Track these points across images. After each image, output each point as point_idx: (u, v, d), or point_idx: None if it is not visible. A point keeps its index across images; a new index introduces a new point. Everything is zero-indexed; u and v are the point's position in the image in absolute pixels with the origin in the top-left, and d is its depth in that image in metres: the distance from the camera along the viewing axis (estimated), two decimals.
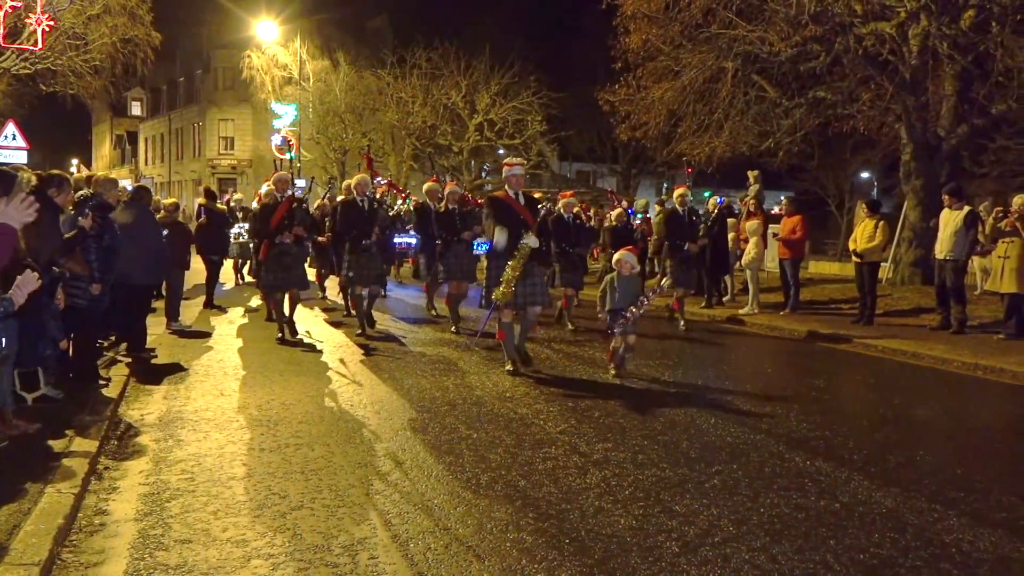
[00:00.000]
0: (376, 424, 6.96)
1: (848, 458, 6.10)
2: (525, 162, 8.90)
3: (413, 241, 17.57)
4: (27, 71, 22.04)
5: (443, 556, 4.28)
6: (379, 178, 19.67)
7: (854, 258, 13.74)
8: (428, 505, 5.02)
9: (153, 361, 9.76)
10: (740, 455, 6.13)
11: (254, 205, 17.19)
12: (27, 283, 4.95)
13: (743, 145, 20.04)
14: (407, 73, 35.81)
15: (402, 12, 45.99)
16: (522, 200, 9.04)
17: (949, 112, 17.45)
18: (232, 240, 18.21)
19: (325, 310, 14.64)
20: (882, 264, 17.46)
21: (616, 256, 9.06)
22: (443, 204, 12.67)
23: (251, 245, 17.19)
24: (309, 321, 13.01)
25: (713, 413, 7.43)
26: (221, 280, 18.85)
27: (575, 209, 12.96)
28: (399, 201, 19.34)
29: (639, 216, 18.77)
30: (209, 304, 14.77)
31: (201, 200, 15.77)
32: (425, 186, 13.98)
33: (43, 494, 4.93)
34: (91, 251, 7.96)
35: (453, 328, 12.10)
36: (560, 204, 12.47)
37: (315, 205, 16.33)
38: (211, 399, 7.87)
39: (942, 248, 12.50)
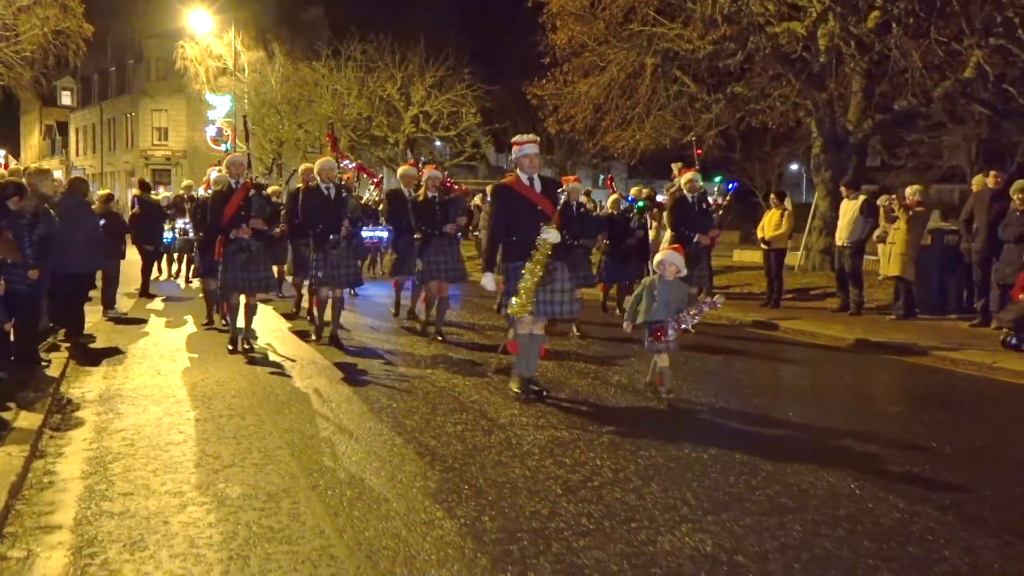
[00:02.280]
0: (304, 397, 7.55)
1: (725, 418, 6.88)
2: (538, 138, 7.65)
3: (384, 235, 15.92)
4: None
5: (355, 501, 4.92)
6: (346, 161, 17.53)
7: (762, 245, 14.65)
8: (347, 463, 5.64)
9: (91, 345, 10.20)
10: (631, 418, 6.87)
11: (200, 192, 16.65)
12: None
13: (665, 138, 20.94)
14: (342, 65, 36.13)
15: (337, 4, 46.14)
16: (539, 186, 7.47)
17: (856, 108, 18.49)
18: (179, 235, 17.37)
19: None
20: (794, 252, 18.53)
21: (658, 256, 7.54)
22: (421, 191, 10.93)
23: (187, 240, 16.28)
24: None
25: (615, 385, 8.16)
26: (178, 282, 18.46)
27: (580, 196, 11.52)
28: (371, 188, 18.17)
29: (640, 204, 17.71)
30: (144, 292, 15.13)
31: (135, 191, 16.06)
32: (400, 170, 12.36)
33: None
34: (26, 239, 8.36)
35: (439, 337, 10.66)
36: (564, 189, 10.23)
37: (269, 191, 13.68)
38: (148, 378, 8.39)
39: (840, 235, 13.46)
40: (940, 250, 13.20)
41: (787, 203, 14.74)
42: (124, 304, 13.69)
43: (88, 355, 9.56)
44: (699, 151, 13.23)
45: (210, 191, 12.97)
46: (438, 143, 41.70)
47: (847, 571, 4.03)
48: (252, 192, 9.71)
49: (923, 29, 15.35)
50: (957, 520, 4.69)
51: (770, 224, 14.28)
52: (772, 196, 15.63)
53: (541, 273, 7.17)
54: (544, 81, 21.15)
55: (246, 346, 9.82)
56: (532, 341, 7.51)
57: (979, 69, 15.89)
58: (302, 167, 12.31)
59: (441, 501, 4.90)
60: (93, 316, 11.87)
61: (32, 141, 67.13)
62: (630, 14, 19.05)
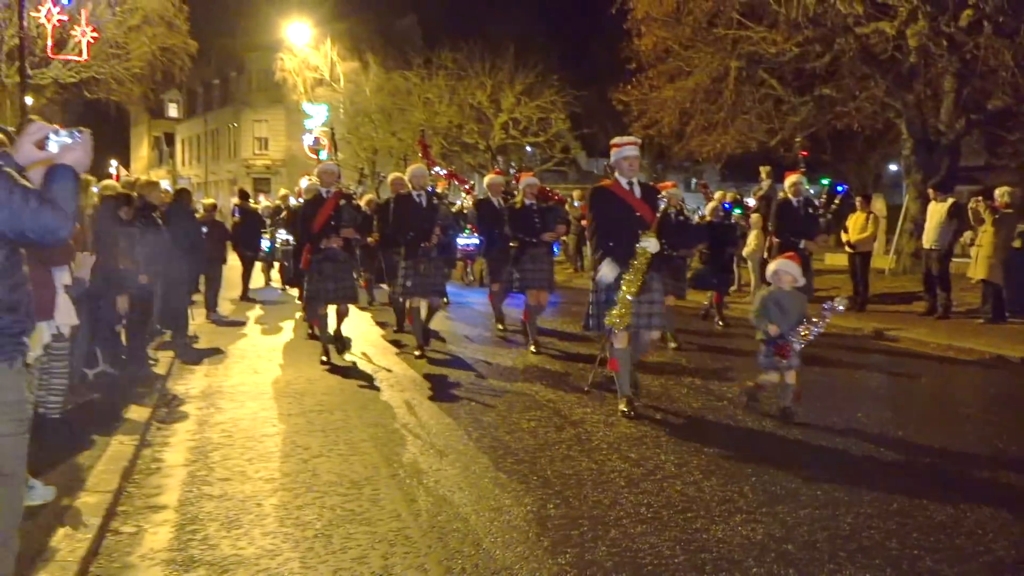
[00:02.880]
0: (389, 395, 7.99)
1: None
2: (639, 141, 7.45)
3: (476, 242, 15.31)
4: (72, 79, 23.31)
5: (431, 489, 5.30)
6: (437, 168, 16.92)
7: (847, 248, 14.60)
8: (425, 454, 6.03)
9: (195, 346, 10.86)
10: (698, 418, 7.10)
11: (292, 202, 17.16)
12: (85, 263, 6.04)
13: (752, 141, 20.94)
14: (433, 74, 36.87)
15: (429, 12, 46.98)
16: (638, 191, 7.14)
17: (948, 108, 18.18)
18: (279, 244, 17.13)
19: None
20: (885, 255, 18.36)
21: (772, 267, 7.19)
22: (519, 199, 10.62)
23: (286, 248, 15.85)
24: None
25: (688, 386, 8.37)
26: (274, 286, 18.72)
27: (678, 204, 10.77)
28: (463, 196, 17.68)
29: (738, 210, 16.56)
30: (244, 296, 15.91)
31: (236, 200, 16.86)
32: (486, 179, 12.21)
33: (109, 444, 6.01)
34: (137, 247, 9.02)
35: (532, 348, 10.22)
36: (663, 195, 9.64)
37: (364, 200, 13.48)
38: (246, 376, 8.97)
39: (928, 238, 13.33)
40: None
41: (874, 205, 14.65)
42: (226, 307, 14.43)
43: (192, 354, 10.21)
44: (804, 152, 12.82)
45: (301, 200, 13.29)
46: (528, 148, 42.04)
47: (891, 560, 4.21)
48: (343, 201, 9.60)
49: (1014, 27, 15.06)
50: (1010, 516, 4.80)
51: (855, 227, 14.22)
52: (859, 199, 15.51)
53: (639, 283, 6.82)
54: (629, 87, 21.35)
55: (337, 348, 9.78)
56: (625, 355, 7.14)
57: None
58: (391, 176, 12.18)
59: (510, 491, 5.24)
60: (197, 318, 12.58)
61: (141, 152, 70.05)
62: (714, 18, 19.12)
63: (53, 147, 2.91)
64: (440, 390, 8.17)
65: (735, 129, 19.98)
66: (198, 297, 13.65)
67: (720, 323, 12.52)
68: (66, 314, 5.12)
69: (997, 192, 12.92)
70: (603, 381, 7.92)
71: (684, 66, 20.22)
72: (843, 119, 19.53)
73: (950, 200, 13.31)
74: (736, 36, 18.82)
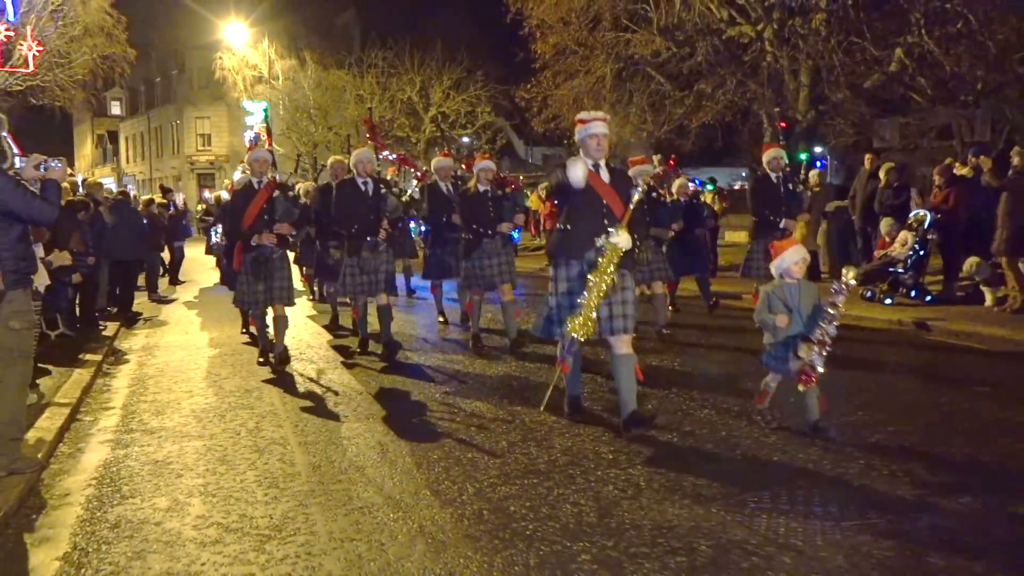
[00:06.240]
0: (291, 343, 10.23)
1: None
2: (607, 117, 6.36)
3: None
4: (19, 88, 25.09)
5: (304, 393, 7.66)
6: (386, 152, 15.74)
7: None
8: (300, 374, 8.38)
9: (138, 318, 13.08)
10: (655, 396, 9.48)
11: (224, 196, 18.48)
12: (61, 260, 8.29)
13: (644, 132, 23.47)
14: (364, 72, 38.92)
15: (366, 7, 48.76)
16: (607, 176, 6.14)
17: (804, 100, 20.85)
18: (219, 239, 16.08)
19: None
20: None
21: (776, 261, 6.10)
22: (472, 184, 9.54)
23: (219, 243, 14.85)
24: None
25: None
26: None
27: (650, 180, 9.58)
28: (414, 184, 15.24)
29: (709, 187, 15.85)
30: (172, 281, 18.13)
31: (157, 196, 18.86)
32: (434, 161, 11.18)
33: (71, 375, 8.28)
34: (87, 234, 11.20)
35: (516, 346, 9.19)
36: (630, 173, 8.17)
37: (302, 190, 12.34)
38: (179, 335, 11.26)
39: None
40: (844, 223, 15.59)
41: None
42: (163, 290, 16.60)
43: (135, 323, 12.44)
44: (783, 123, 13.13)
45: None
46: (465, 139, 44.18)
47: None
48: (276, 193, 8.59)
49: (828, 35, 17.82)
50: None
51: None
52: (708, 178, 18.13)
53: (607, 286, 5.88)
54: (529, 85, 23.77)
55: (273, 360, 8.72)
56: (623, 363, 6.06)
57: (901, 63, 18.30)
58: (331, 160, 11.08)
59: (365, 391, 7.61)
60: (140, 298, 14.77)
61: (85, 150, 70.92)
62: (599, 25, 21.61)
63: (43, 169, 5.21)
64: (340, 342, 10.46)
65: (628, 121, 22.45)
66: (141, 281, 15.82)
67: (671, 308, 11.44)
68: (42, 276, 7.38)
69: (811, 173, 15.54)
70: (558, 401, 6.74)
71: (579, 67, 22.67)
72: (700, 114, 22.11)
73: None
74: (617, 39, 21.32)
